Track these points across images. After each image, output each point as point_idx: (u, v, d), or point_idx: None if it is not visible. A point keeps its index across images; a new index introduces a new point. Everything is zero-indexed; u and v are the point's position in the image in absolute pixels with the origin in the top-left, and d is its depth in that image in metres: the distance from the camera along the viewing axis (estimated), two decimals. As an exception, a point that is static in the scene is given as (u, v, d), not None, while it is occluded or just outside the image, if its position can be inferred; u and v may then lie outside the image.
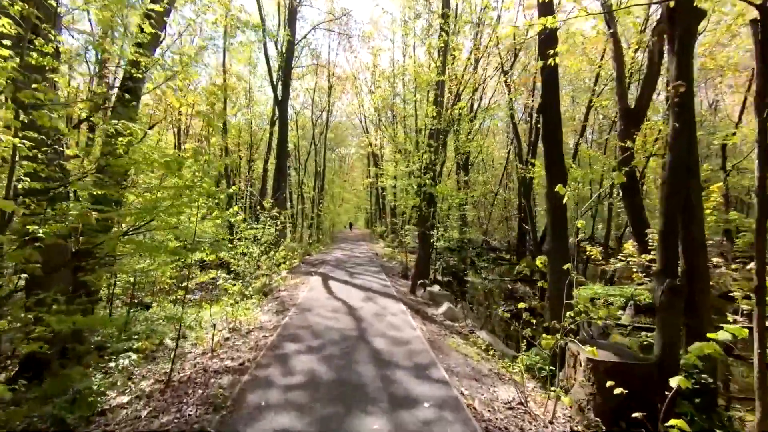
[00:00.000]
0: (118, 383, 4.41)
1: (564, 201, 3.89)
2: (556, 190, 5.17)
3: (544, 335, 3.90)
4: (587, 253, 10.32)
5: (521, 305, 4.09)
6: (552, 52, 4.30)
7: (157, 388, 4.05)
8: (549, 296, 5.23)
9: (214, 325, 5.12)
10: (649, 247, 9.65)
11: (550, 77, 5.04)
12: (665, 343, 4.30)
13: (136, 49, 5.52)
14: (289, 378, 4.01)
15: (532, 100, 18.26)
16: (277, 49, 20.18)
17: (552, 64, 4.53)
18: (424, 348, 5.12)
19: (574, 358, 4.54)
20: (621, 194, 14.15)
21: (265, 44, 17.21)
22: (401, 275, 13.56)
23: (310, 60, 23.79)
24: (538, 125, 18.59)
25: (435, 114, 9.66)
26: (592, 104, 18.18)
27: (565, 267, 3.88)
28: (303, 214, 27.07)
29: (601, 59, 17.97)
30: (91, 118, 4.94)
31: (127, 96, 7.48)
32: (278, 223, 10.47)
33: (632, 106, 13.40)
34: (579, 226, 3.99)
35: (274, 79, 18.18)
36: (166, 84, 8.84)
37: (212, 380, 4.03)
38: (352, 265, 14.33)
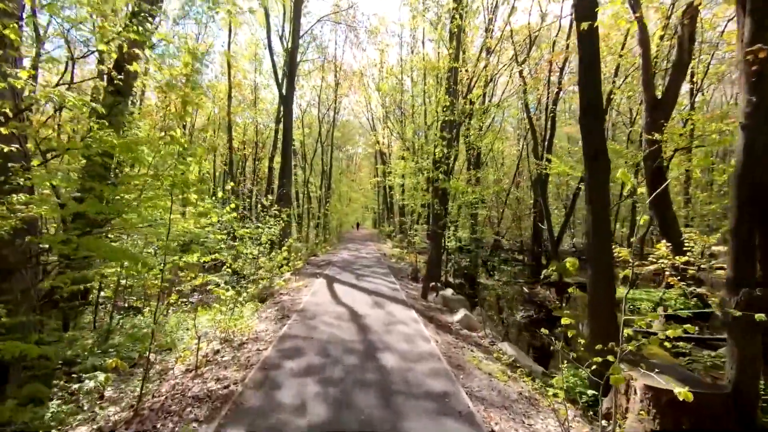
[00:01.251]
0: (85, 407, 3.78)
1: (627, 191, 3.10)
2: (601, 180, 4.41)
3: (596, 358, 3.13)
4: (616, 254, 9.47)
5: (564, 320, 3.33)
6: (598, 9, 3.53)
7: (124, 417, 3.39)
8: (590, 306, 4.45)
9: (199, 338, 4.45)
10: (684, 249, 8.76)
11: (589, 45, 4.26)
12: (741, 369, 3.50)
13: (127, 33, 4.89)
14: (278, 411, 3.30)
15: (548, 94, 17.35)
16: (282, 44, 19.65)
17: (593, 26, 3.75)
18: (441, 366, 4.38)
19: (626, 383, 3.77)
20: (647, 191, 13.22)
21: (269, 36, 16.60)
22: (411, 277, 12.82)
23: (316, 55, 23.19)
24: (554, 115, 17.72)
25: (448, 104, 8.91)
26: (612, 96, 17.22)
27: (625, 273, 3.09)
28: (309, 214, 26.48)
29: (622, 49, 17.01)
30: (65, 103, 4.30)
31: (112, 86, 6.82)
32: (280, 221, 9.80)
33: (659, 97, 12.41)
34: (642, 222, 3.19)
35: (279, 75, 17.62)
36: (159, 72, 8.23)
37: (188, 409, 3.35)
38: (359, 266, 13.62)
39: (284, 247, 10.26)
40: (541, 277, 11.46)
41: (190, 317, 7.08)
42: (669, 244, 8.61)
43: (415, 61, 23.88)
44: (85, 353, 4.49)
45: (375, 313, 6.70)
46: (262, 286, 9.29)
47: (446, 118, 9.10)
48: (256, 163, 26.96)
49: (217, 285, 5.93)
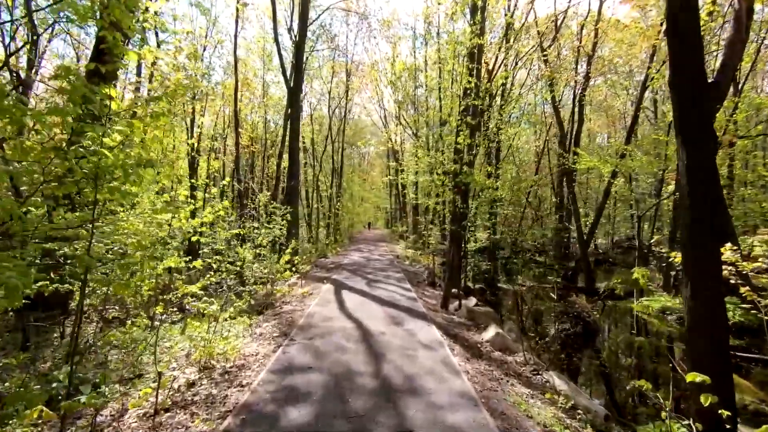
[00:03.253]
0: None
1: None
2: (706, 165, 3.20)
3: None
4: (670, 258, 8.14)
5: (691, 377, 2.14)
6: None
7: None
8: (692, 335, 3.24)
9: (160, 375, 3.41)
10: (755, 253, 7.49)
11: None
12: None
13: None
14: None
15: (576, 82, 15.93)
16: (291, 37, 18.75)
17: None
18: (480, 418, 3.24)
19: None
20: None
21: (275, 28, 15.65)
22: (427, 282, 11.67)
23: (325, 46, 22.27)
24: (583, 105, 16.26)
25: (472, 85, 7.74)
26: (648, 85, 15.72)
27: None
28: (319, 213, 25.55)
29: (659, 34, 15.52)
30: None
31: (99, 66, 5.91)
32: (282, 220, 8.76)
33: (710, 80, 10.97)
34: None
35: (287, 69, 16.67)
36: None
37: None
38: (371, 270, 12.53)
39: (288, 250, 9.24)
40: (601, 291, 10.08)
41: (177, 330, 6.13)
42: (735, 247, 7.27)
43: (431, 53, 22.72)
44: (19, 388, 3.50)
45: (391, 332, 5.58)
46: (263, 294, 8.30)
47: (469, 103, 7.92)
48: (266, 161, 26.21)
49: (198, 297, 4.93)
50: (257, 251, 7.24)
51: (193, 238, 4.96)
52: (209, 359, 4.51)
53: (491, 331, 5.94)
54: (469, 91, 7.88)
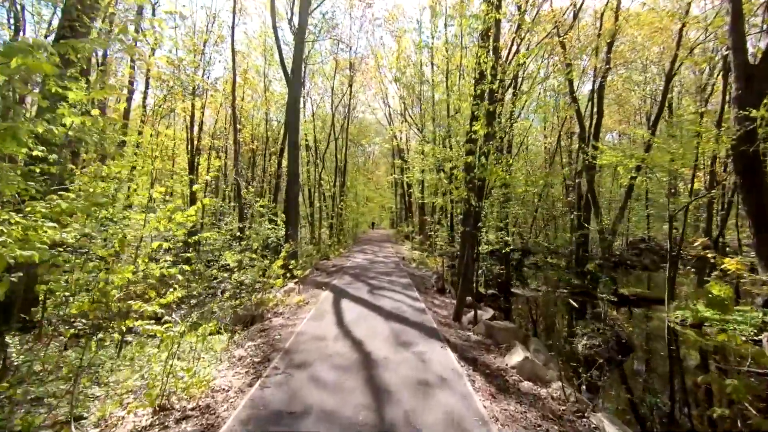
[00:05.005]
0: None
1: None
2: None
3: None
4: (719, 264, 7.04)
5: None
6: None
7: None
8: None
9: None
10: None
11: None
12: None
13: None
14: None
15: (596, 66, 14.74)
16: (291, 27, 17.84)
17: None
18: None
19: None
20: (739, 182, 10.62)
21: (272, 7, 14.70)
22: (436, 289, 10.67)
23: (327, 36, 21.34)
24: (603, 95, 15.07)
25: (489, 66, 6.72)
26: (674, 73, 14.53)
27: None
28: (321, 213, 24.61)
29: (686, 14, 14.34)
30: None
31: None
32: (279, 221, 7.80)
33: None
34: None
35: (287, 60, 15.72)
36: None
37: None
38: (376, 274, 11.55)
39: (282, 253, 8.29)
40: (669, 316, 8.91)
41: (151, 346, 5.20)
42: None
43: (438, 44, 21.66)
44: None
45: (397, 357, 4.59)
46: (253, 303, 7.36)
47: (485, 87, 6.89)
48: (267, 159, 25.38)
49: (158, 318, 4.00)
50: (243, 256, 6.30)
51: (154, 245, 4.04)
52: (166, 398, 3.55)
53: (518, 355, 4.92)
54: (485, 73, 6.87)
